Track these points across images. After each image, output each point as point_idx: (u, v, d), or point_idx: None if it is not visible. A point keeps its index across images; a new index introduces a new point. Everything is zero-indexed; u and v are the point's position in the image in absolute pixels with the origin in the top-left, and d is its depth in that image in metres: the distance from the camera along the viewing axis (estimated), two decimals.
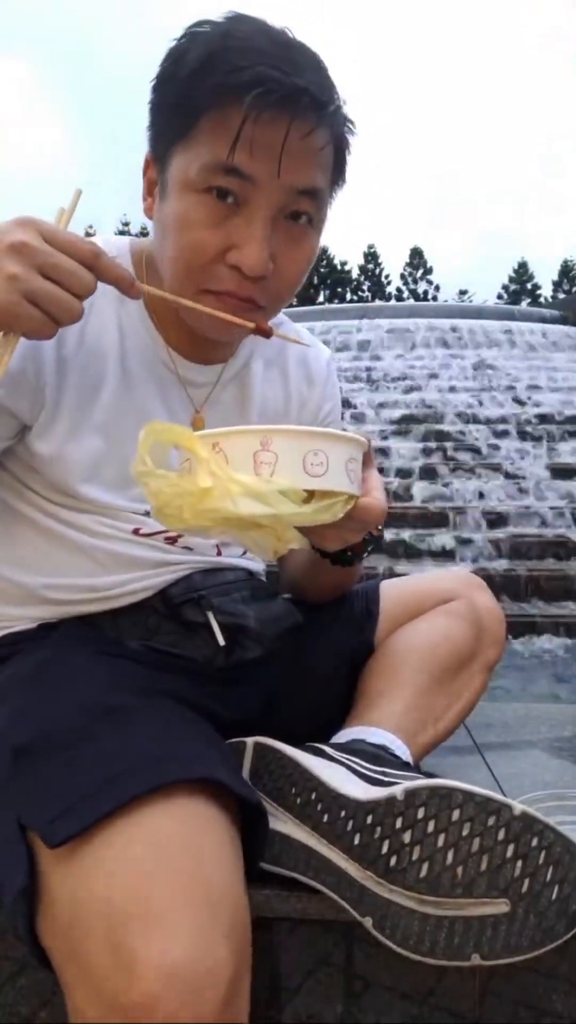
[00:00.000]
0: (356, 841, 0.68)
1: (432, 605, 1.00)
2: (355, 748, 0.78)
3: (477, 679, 0.98)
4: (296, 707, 0.95)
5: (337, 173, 0.79)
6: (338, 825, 0.69)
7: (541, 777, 1.04)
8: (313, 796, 0.72)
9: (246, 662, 0.86)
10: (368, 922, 0.66)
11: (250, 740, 0.80)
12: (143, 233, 0.91)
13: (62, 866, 0.59)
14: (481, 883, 0.63)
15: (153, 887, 0.55)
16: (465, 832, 0.64)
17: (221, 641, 0.84)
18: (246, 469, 0.61)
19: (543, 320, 10.98)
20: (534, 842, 0.63)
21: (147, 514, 0.84)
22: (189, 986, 0.51)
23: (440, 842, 0.64)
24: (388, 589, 1.04)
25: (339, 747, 0.78)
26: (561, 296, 36.46)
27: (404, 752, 0.83)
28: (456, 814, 0.65)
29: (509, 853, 0.63)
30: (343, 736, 0.84)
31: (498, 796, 0.65)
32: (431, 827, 0.65)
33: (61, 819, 0.60)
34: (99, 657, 0.80)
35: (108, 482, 0.82)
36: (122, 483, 0.81)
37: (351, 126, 0.77)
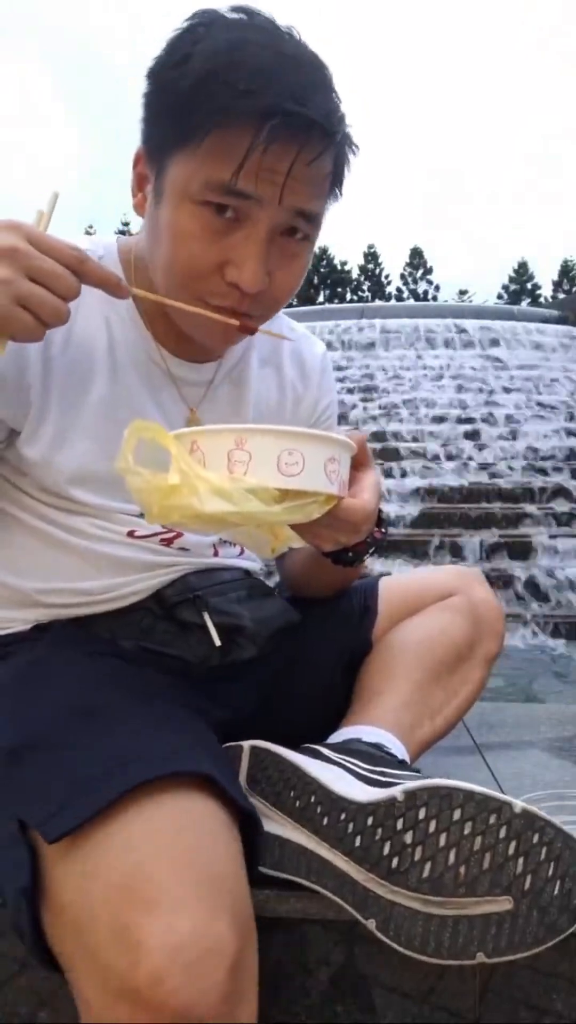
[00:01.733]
0: (357, 843, 0.67)
1: (430, 601, 1.00)
2: (351, 748, 0.78)
3: (476, 673, 0.98)
4: (292, 705, 0.95)
5: (334, 191, 0.79)
6: (339, 828, 0.69)
7: (541, 777, 1.04)
8: (312, 799, 0.71)
9: (240, 661, 0.86)
10: (372, 924, 0.66)
11: (246, 744, 0.80)
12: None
13: (64, 861, 0.60)
14: (484, 881, 0.63)
15: (153, 868, 0.56)
16: (467, 831, 0.64)
17: (217, 642, 0.84)
18: (220, 467, 0.62)
19: (543, 320, 10.97)
20: (535, 838, 0.63)
21: (141, 516, 0.84)
22: (193, 961, 0.51)
23: (442, 842, 0.64)
24: (387, 586, 1.04)
25: (335, 747, 0.78)
26: (561, 296, 36.45)
27: (400, 749, 0.83)
28: (457, 813, 0.64)
29: (511, 850, 0.63)
30: (339, 736, 0.84)
31: (498, 794, 0.65)
32: (432, 827, 0.65)
33: (58, 815, 0.61)
34: (91, 657, 0.81)
35: (100, 484, 0.82)
36: (114, 485, 0.81)
37: (355, 148, 0.77)
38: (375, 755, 0.77)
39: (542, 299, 41.39)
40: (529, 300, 40.83)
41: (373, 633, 0.99)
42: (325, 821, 0.70)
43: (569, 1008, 0.74)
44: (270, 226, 0.73)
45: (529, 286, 44.62)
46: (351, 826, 0.68)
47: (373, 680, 0.93)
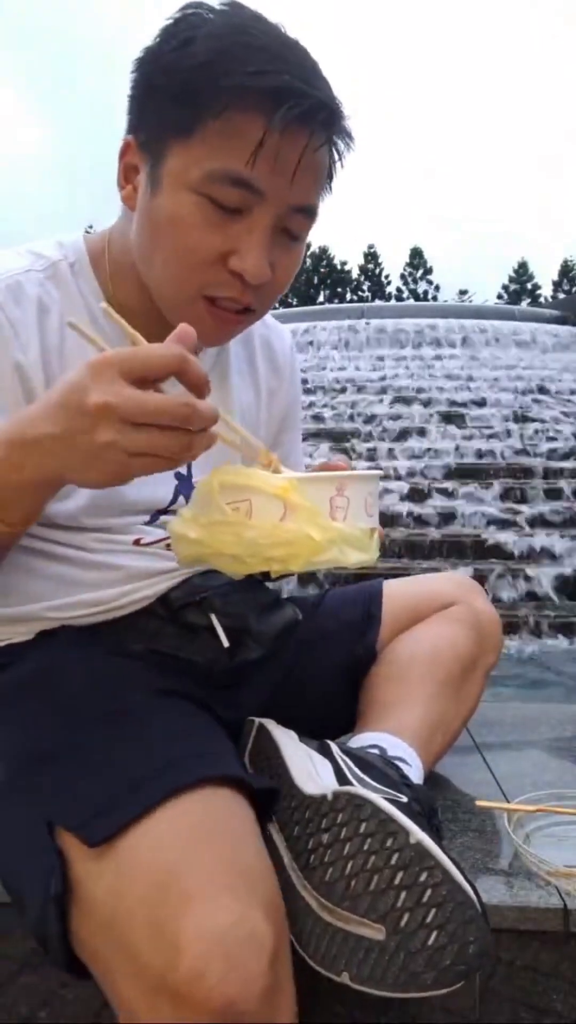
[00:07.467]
0: (294, 832, 0.69)
1: (433, 610, 1.00)
2: (362, 756, 0.78)
3: (478, 686, 0.99)
4: (295, 710, 0.94)
5: (328, 185, 0.78)
6: (287, 812, 0.71)
7: (541, 777, 1.04)
8: (280, 782, 0.74)
9: (248, 663, 0.86)
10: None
11: (257, 720, 0.83)
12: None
13: (99, 864, 0.60)
14: (365, 902, 0.61)
15: (189, 865, 0.56)
16: (365, 846, 0.62)
17: (226, 643, 0.84)
18: (323, 513, 0.62)
19: (543, 320, 10.97)
20: (422, 877, 0.59)
21: (149, 523, 0.84)
22: (233, 951, 0.51)
23: (345, 850, 0.64)
24: (389, 593, 1.03)
25: (347, 750, 0.78)
26: (561, 296, 36.46)
27: (417, 766, 0.82)
28: (364, 826, 0.63)
29: (396, 880, 0.60)
30: (363, 740, 0.84)
31: (404, 819, 0.62)
32: (343, 834, 0.64)
33: (101, 817, 0.60)
34: (102, 659, 0.80)
35: (110, 510, 0.80)
36: (123, 508, 0.81)
37: (351, 141, 0.76)
38: (375, 765, 0.77)
39: (542, 299, 41.43)
40: (529, 300, 40.86)
41: (378, 641, 0.99)
42: (282, 803, 0.72)
43: (569, 1008, 0.74)
44: (275, 217, 0.71)
45: (529, 286, 44.65)
46: (295, 814, 0.70)
47: (386, 691, 0.92)
